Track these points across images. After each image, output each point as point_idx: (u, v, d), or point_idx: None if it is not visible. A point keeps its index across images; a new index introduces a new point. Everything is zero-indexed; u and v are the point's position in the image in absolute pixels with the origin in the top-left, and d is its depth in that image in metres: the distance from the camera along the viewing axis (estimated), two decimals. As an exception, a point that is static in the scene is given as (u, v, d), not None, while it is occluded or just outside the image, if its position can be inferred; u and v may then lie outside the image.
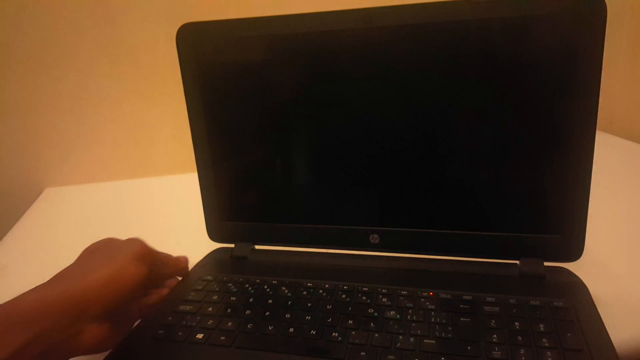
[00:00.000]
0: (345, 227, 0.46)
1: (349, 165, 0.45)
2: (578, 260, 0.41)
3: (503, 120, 0.40)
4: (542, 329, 0.34)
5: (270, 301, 0.40)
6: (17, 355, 0.29)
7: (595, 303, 0.37)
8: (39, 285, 0.33)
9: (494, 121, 0.41)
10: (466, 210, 0.43)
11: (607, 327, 0.34)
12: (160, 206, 0.72)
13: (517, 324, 0.35)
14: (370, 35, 0.41)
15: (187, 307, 0.41)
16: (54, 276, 0.35)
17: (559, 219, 0.41)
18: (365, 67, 0.42)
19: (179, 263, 0.45)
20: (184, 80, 0.48)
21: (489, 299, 0.38)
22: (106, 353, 0.36)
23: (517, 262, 0.42)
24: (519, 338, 0.34)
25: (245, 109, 0.47)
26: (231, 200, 0.50)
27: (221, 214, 0.50)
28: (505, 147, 0.41)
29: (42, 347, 0.30)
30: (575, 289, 0.39)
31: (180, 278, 0.46)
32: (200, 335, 0.37)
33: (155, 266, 0.40)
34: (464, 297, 0.39)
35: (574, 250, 0.41)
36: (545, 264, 0.42)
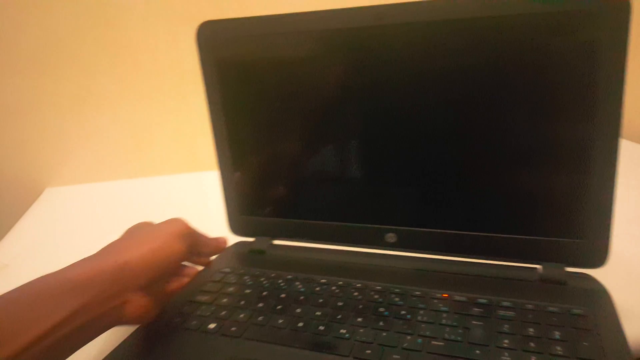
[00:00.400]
0: (362, 225, 0.46)
1: (367, 162, 0.45)
2: (603, 267, 0.39)
3: (525, 121, 0.39)
4: (557, 336, 0.33)
5: (283, 295, 0.41)
6: (69, 320, 0.30)
7: (618, 312, 0.35)
8: (86, 257, 0.36)
9: (516, 122, 0.39)
10: (487, 212, 0.42)
11: (628, 338, 0.32)
12: (160, 206, 0.72)
13: (531, 329, 0.34)
14: (387, 32, 0.41)
15: (204, 297, 0.42)
16: (100, 250, 0.37)
17: (582, 223, 0.39)
18: (384, 64, 0.41)
19: (219, 243, 0.47)
20: (204, 77, 0.48)
21: (504, 303, 0.37)
22: (125, 334, 0.37)
23: (538, 266, 0.41)
24: (531, 344, 0.33)
25: (264, 106, 0.47)
26: (251, 196, 0.51)
27: (242, 208, 0.51)
28: (529, 148, 0.39)
29: (91, 315, 0.32)
30: (598, 296, 0.38)
31: (200, 268, 0.46)
32: (212, 325, 0.38)
33: (195, 245, 0.43)
34: (479, 300, 0.38)
35: (598, 256, 0.39)
36: (568, 269, 0.40)
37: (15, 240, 0.64)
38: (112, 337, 0.38)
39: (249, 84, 0.47)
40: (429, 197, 0.43)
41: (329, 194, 0.47)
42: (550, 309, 0.36)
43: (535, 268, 0.41)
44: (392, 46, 0.41)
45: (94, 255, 0.36)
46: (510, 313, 0.36)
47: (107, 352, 0.36)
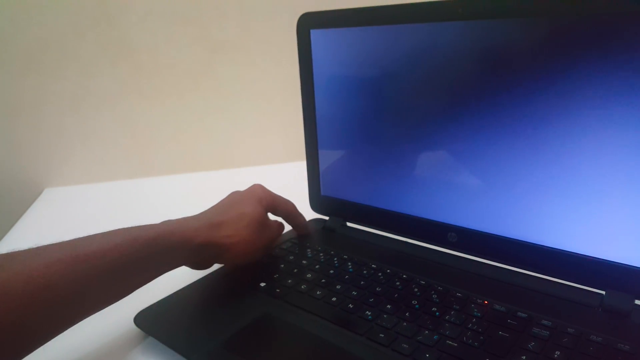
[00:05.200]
0: (426, 219, 0.47)
1: (442, 160, 0.44)
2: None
3: (616, 130, 0.35)
4: None
5: (331, 271, 0.45)
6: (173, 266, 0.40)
7: None
8: (191, 217, 0.43)
9: (605, 131, 0.35)
10: (555, 224, 0.39)
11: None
12: (160, 206, 0.72)
13: (558, 353, 0.32)
14: (474, 27, 0.39)
15: (267, 260, 0.48)
16: (204, 212, 0.45)
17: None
18: (470, 60, 0.40)
19: (289, 205, 0.51)
20: (300, 64, 0.52)
21: (544, 321, 0.35)
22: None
23: (603, 292, 0.38)
24: None
25: (348, 99, 0.50)
26: (331, 178, 0.55)
27: (321, 189, 0.55)
28: (610, 161, 0.35)
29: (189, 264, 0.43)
30: None
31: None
32: (263, 284, 0.43)
33: (271, 205, 0.48)
34: (519, 313, 0.37)
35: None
36: (638, 302, 0.36)
37: (15, 240, 0.64)
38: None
39: (339, 73, 0.49)
40: (498, 202, 0.42)
41: (403, 185, 0.48)
42: (593, 337, 0.33)
43: (601, 294, 0.38)
44: (484, 44, 0.39)
45: (198, 216, 0.43)
46: (545, 332, 0.34)
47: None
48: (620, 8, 0.33)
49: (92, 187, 0.83)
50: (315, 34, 0.50)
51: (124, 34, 0.78)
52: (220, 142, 0.89)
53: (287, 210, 0.51)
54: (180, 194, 0.78)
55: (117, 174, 0.85)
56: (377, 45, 0.46)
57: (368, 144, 0.50)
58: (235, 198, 0.47)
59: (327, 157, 0.54)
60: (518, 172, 0.40)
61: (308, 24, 0.50)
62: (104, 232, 0.35)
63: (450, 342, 0.34)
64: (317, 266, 0.46)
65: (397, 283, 0.42)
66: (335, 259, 0.47)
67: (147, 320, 0.39)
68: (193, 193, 0.78)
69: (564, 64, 0.36)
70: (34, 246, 0.32)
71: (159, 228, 0.38)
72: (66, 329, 0.32)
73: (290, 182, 0.63)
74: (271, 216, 0.50)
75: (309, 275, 0.44)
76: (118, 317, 0.41)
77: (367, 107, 0.48)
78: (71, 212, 0.72)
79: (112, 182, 0.84)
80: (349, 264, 0.46)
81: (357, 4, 0.46)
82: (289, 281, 0.43)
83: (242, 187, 0.50)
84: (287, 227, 0.55)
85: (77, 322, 0.33)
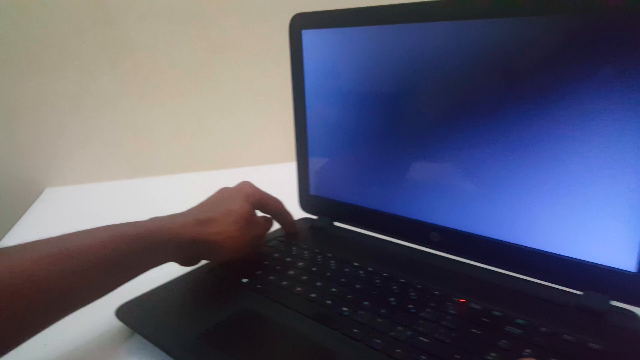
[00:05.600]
0: (410, 219, 0.47)
1: (427, 161, 0.45)
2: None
3: (599, 130, 0.34)
4: None
5: (314, 269, 0.45)
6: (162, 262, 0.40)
7: None
8: (178, 214, 0.43)
9: (587, 133, 0.35)
10: (535, 225, 0.39)
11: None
12: (160, 206, 0.72)
13: (528, 351, 0.32)
14: (466, 27, 0.39)
15: (252, 257, 0.48)
16: (192, 208, 0.45)
17: None
18: (459, 61, 0.40)
19: (278, 202, 0.51)
20: (291, 65, 0.53)
21: (518, 320, 0.36)
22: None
23: (581, 293, 0.38)
24: None
25: (339, 100, 0.50)
26: (319, 178, 0.55)
27: (310, 188, 0.56)
28: (589, 164, 0.35)
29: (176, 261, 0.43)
30: (635, 338, 0.34)
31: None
32: (245, 280, 0.43)
33: (260, 202, 0.48)
34: (494, 312, 0.37)
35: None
36: (613, 303, 0.37)
37: (15, 241, 0.64)
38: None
39: (330, 74, 0.49)
40: (479, 203, 0.42)
41: (389, 186, 0.48)
42: (565, 336, 0.34)
43: (578, 294, 0.38)
44: (474, 45, 0.39)
45: (186, 212, 0.43)
46: (519, 331, 0.34)
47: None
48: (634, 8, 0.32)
49: (93, 187, 0.83)
50: (307, 35, 0.50)
51: (124, 34, 0.78)
52: (220, 142, 0.89)
53: (276, 207, 0.51)
54: (180, 194, 0.78)
55: (117, 174, 0.85)
56: (368, 45, 0.45)
57: (357, 145, 0.49)
58: (223, 195, 0.47)
59: (317, 158, 0.54)
60: (499, 173, 0.40)
61: (300, 24, 0.50)
62: (92, 228, 0.36)
63: (422, 338, 0.34)
64: (300, 263, 0.46)
65: (377, 281, 0.42)
66: (319, 257, 0.47)
67: (128, 313, 0.39)
68: (193, 193, 0.77)
69: (558, 68, 0.35)
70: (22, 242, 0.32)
71: (146, 225, 0.38)
72: (54, 322, 0.33)
73: (290, 181, 0.63)
74: (259, 214, 0.50)
75: (291, 272, 0.44)
76: (100, 309, 0.41)
77: (357, 109, 0.48)
78: (72, 212, 0.72)
79: (113, 182, 0.85)
80: (332, 262, 0.46)
81: (357, 4, 0.46)
82: (271, 277, 0.44)
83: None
84: (277, 226, 0.55)
85: (65, 316, 0.33)
